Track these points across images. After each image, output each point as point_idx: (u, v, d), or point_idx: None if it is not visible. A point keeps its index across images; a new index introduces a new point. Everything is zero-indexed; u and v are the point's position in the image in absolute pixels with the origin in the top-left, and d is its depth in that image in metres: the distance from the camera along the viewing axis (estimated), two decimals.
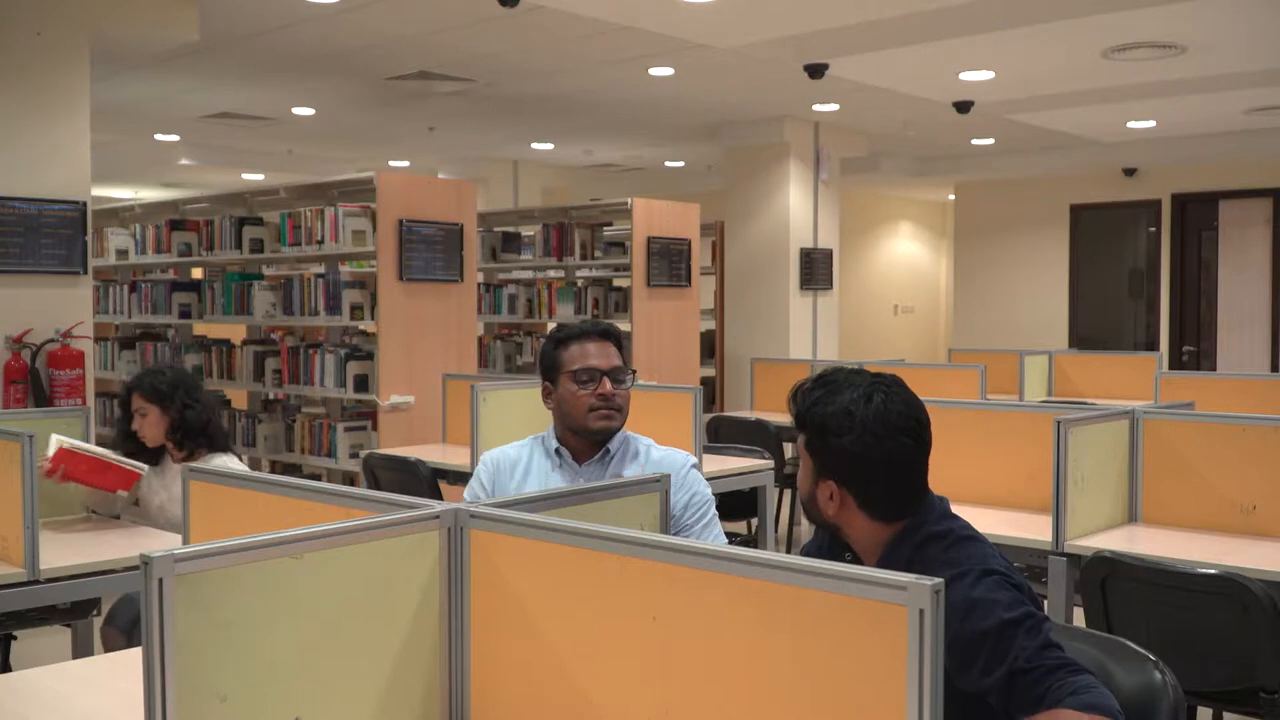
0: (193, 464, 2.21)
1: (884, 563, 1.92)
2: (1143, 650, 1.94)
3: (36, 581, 2.92)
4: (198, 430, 3.69)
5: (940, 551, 1.89)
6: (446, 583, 1.65)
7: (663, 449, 2.80)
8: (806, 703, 1.30)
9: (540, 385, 2.77)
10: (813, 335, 9.43)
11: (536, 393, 2.90)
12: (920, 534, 1.91)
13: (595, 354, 2.66)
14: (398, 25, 6.25)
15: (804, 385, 2.02)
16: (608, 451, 2.72)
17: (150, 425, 3.67)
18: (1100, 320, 11.90)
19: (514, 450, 2.79)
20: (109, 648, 2.88)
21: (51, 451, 3.43)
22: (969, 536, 1.91)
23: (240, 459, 3.85)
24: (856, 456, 1.91)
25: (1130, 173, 11.39)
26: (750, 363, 8.04)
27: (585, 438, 2.69)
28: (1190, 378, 7.61)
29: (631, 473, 2.69)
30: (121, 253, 8.10)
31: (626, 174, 12.62)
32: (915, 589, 1.19)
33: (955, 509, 2.01)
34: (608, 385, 2.64)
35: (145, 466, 3.62)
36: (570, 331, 2.71)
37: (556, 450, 2.72)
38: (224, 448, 3.75)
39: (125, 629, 2.95)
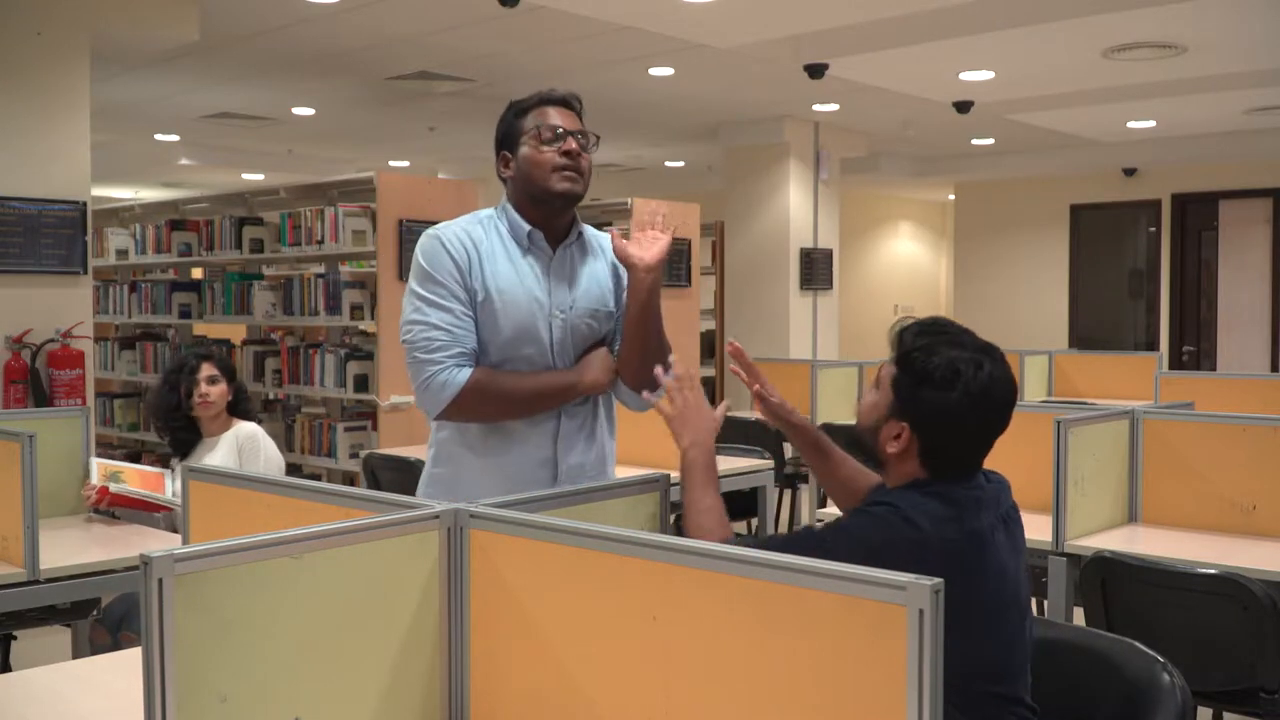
0: (193, 465, 2.22)
1: (883, 493, 1.99)
2: (1151, 652, 1.94)
3: (36, 581, 2.92)
4: (248, 402, 4.17)
5: (912, 493, 1.92)
6: (446, 583, 1.65)
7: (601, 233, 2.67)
8: (806, 703, 1.30)
9: (499, 157, 2.52)
10: (813, 335, 9.43)
11: None
12: (930, 487, 1.93)
13: (558, 116, 2.46)
14: (398, 25, 6.25)
15: (913, 325, 2.00)
16: (580, 234, 2.55)
17: (220, 396, 4.02)
18: (1100, 320, 11.91)
19: (474, 228, 2.49)
20: (96, 645, 2.89)
21: (95, 479, 3.64)
22: (942, 495, 1.90)
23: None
24: (947, 415, 1.91)
25: (1130, 173, 11.39)
26: None
27: (547, 204, 2.46)
28: (1190, 378, 7.62)
29: (595, 261, 2.57)
30: (121, 253, 8.10)
31: (626, 174, 12.62)
32: (915, 589, 1.19)
33: None
34: (573, 144, 2.43)
35: (177, 503, 3.69)
36: (529, 100, 2.49)
37: (529, 234, 2.48)
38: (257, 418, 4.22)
39: (112, 627, 2.97)
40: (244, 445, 3.98)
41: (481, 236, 2.47)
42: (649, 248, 2.46)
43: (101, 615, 3.12)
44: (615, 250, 2.48)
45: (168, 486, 3.74)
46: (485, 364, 2.44)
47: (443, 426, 2.53)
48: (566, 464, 2.49)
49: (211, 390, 4.00)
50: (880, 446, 1.98)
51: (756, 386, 2.37)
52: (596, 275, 2.57)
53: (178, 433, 4.04)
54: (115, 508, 3.69)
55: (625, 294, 2.54)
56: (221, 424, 4.04)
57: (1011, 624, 1.91)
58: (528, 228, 2.48)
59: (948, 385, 1.90)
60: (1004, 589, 1.90)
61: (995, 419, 1.95)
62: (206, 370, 4.01)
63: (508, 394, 2.44)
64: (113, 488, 3.62)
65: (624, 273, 2.55)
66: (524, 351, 2.45)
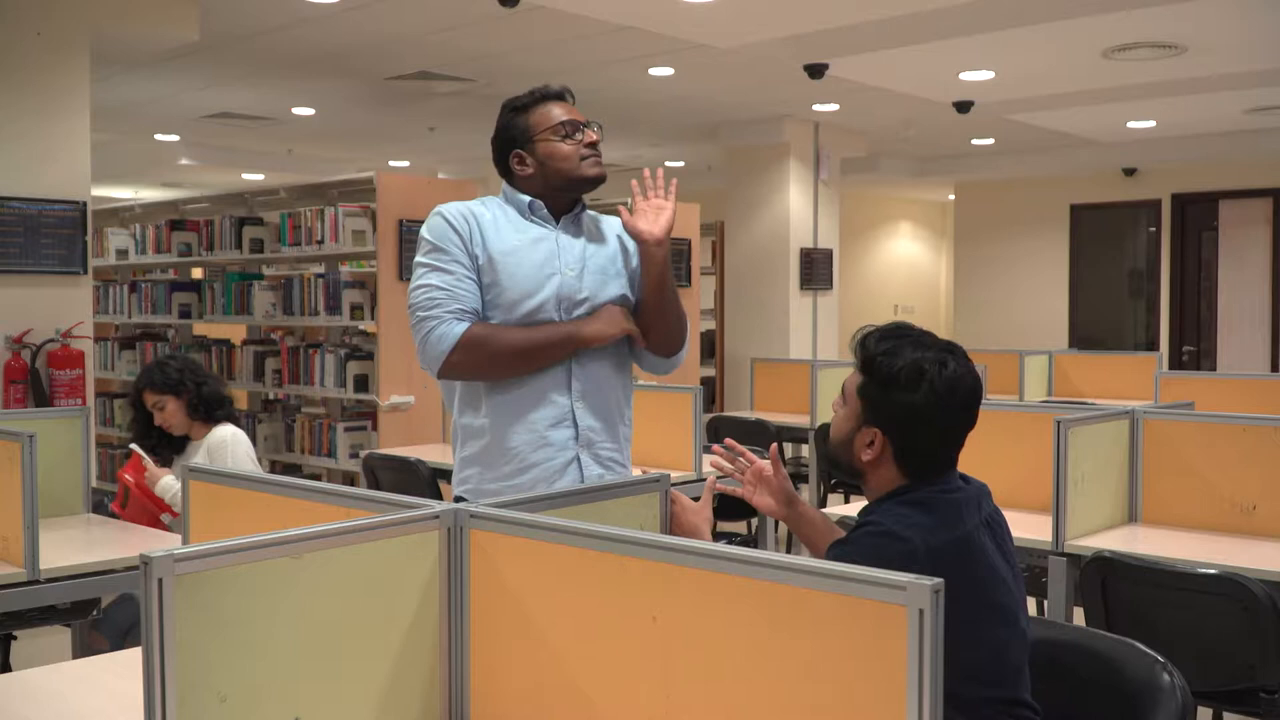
0: (192, 465, 2.21)
1: (865, 512, 1.98)
2: (1151, 652, 1.94)
3: (36, 581, 2.92)
4: (218, 403, 3.96)
5: (893, 506, 1.93)
6: (446, 583, 1.65)
7: (604, 216, 2.73)
8: (806, 703, 1.30)
9: (511, 156, 2.58)
10: (813, 335, 9.43)
11: None
12: (908, 495, 1.94)
13: (565, 111, 2.56)
14: (398, 25, 6.25)
15: (874, 331, 2.02)
16: (583, 206, 2.63)
17: (172, 414, 3.89)
18: (1100, 320, 11.91)
19: (477, 206, 2.57)
20: (94, 651, 2.88)
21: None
22: (922, 502, 1.92)
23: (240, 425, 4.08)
24: (915, 413, 1.93)
25: (1130, 173, 11.39)
26: (750, 363, 8.04)
27: (576, 191, 2.58)
28: (1190, 378, 7.62)
29: (601, 230, 2.62)
30: (121, 253, 8.10)
31: (626, 174, 12.59)
32: (915, 589, 1.19)
33: None
34: (593, 134, 2.57)
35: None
36: (528, 98, 2.59)
37: (530, 205, 2.56)
38: (234, 419, 4.02)
39: (115, 640, 2.96)
40: (213, 451, 3.88)
41: (483, 211, 2.56)
42: (655, 220, 2.52)
43: (101, 617, 3.11)
44: (624, 225, 2.54)
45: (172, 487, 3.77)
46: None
47: (463, 410, 2.58)
48: (585, 424, 2.52)
49: (163, 415, 3.91)
50: (855, 457, 2.00)
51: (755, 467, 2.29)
52: (603, 242, 2.63)
53: (163, 449, 3.98)
54: (130, 487, 3.73)
55: (638, 265, 2.61)
56: (200, 429, 3.95)
57: (1005, 626, 1.90)
58: (528, 199, 2.57)
59: (913, 385, 1.92)
60: (995, 592, 1.90)
61: (963, 415, 1.97)
62: (149, 399, 3.91)
63: (506, 345, 2.46)
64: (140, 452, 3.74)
65: (630, 244, 2.62)
66: (530, 307, 2.48)
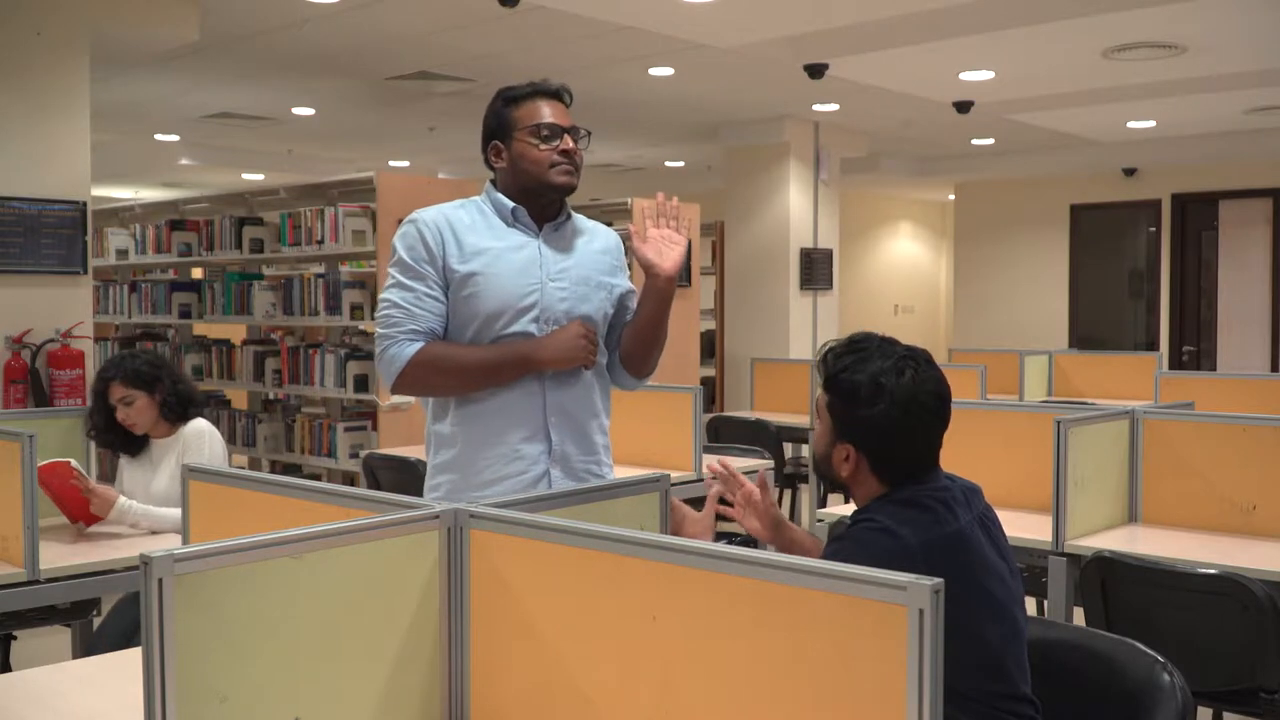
0: (193, 465, 2.21)
1: (858, 513, 1.99)
2: (1151, 652, 1.94)
3: (36, 581, 2.92)
4: (190, 401, 3.63)
5: (885, 505, 1.95)
6: (446, 583, 1.65)
7: (592, 222, 2.70)
8: (806, 703, 1.30)
9: (489, 146, 2.59)
10: (813, 335, 9.43)
11: None
12: (898, 496, 1.96)
13: (552, 112, 2.52)
14: (398, 25, 6.25)
15: (835, 347, 2.04)
16: (569, 215, 2.59)
17: (140, 411, 3.55)
18: (1100, 320, 11.91)
19: (456, 211, 2.55)
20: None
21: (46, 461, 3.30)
22: (914, 500, 1.93)
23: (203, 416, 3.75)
24: (880, 427, 1.95)
25: (1130, 173, 11.39)
26: (750, 363, 8.04)
27: (543, 197, 2.53)
28: (1190, 378, 7.62)
29: (586, 241, 2.58)
30: (121, 253, 8.10)
31: (626, 174, 12.61)
32: (915, 589, 1.19)
33: None
34: (569, 141, 2.50)
35: (118, 499, 3.43)
36: (522, 90, 2.55)
37: (513, 210, 2.53)
38: (204, 416, 3.70)
39: (118, 644, 2.93)
40: (189, 442, 3.55)
41: (462, 216, 2.53)
42: (667, 255, 2.50)
43: (93, 646, 3.06)
44: (636, 254, 2.51)
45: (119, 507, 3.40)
46: (487, 339, 2.46)
47: (435, 417, 2.56)
48: (559, 439, 2.49)
49: (129, 411, 3.53)
50: (835, 471, 2.03)
51: (743, 491, 2.28)
52: (589, 250, 2.59)
53: (119, 448, 3.66)
54: (45, 488, 3.32)
55: (627, 282, 2.61)
56: (164, 429, 3.60)
57: (1003, 622, 1.91)
58: (512, 205, 2.54)
59: (874, 400, 1.95)
60: (991, 587, 1.92)
61: (931, 419, 1.98)
62: (116, 392, 3.52)
63: (457, 367, 2.44)
64: (73, 463, 3.35)
65: (619, 258, 2.62)
66: (509, 317, 2.45)
